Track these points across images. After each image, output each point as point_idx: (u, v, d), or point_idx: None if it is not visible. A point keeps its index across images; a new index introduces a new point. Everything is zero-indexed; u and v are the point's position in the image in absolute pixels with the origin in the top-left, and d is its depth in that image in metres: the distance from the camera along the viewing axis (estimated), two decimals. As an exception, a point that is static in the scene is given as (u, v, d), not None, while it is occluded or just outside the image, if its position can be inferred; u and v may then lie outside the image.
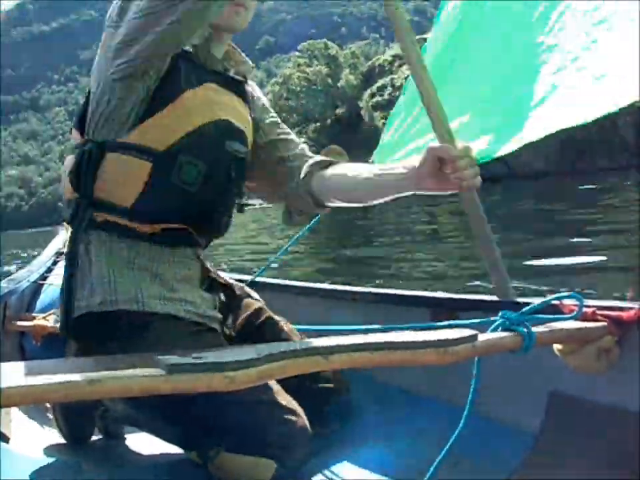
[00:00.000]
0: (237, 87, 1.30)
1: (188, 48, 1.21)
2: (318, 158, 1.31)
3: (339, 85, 56.90)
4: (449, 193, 1.05)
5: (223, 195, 1.25)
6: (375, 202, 1.20)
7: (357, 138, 49.58)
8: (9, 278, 2.15)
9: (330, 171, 1.26)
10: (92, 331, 1.15)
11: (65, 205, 1.23)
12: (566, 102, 1.27)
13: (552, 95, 1.30)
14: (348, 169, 1.24)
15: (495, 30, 1.56)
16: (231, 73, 1.31)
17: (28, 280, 2.16)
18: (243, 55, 1.34)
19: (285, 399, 1.08)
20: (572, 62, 1.29)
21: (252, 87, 1.41)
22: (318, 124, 55.37)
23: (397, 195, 1.13)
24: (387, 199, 1.16)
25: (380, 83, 52.37)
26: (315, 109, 56.69)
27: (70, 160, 1.20)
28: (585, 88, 1.24)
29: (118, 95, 1.14)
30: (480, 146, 1.37)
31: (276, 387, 1.09)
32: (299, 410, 1.08)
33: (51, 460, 1.33)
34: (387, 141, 1.82)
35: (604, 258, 4.94)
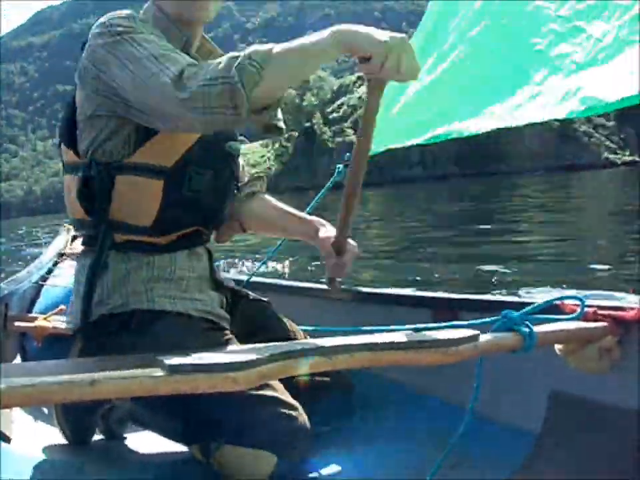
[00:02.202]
0: None
1: None
2: (246, 190, 1.42)
3: (303, 104, 74.84)
4: None
5: (227, 192, 1.30)
6: (274, 235, 1.58)
7: (313, 146, 70.58)
8: (10, 279, 2.15)
9: (255, 205, 1.42)
10: (105, 332, 1.17)
11: (77, 225, 1.25)
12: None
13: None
14: (263, 203, 1.43)
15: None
16: None
17: (29, 281, 2.16)
18: (213, 43, 1.34)
19: (286, 395, 1.09)
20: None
21: None
22: (287, 135, 69.79)
23: (293, 237, 1.45)
24: (285, 236, 1.57)
25: (340, 101, 69.59)
26: (284, 124, 72.30)
27: (71, 181, 1.20)
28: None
29: (116, 122, 1.13)
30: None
31: (276, 383, 1.10)
32: (299, 407, 1.09)
33: (53, 460, 1.33)
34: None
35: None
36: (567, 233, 7.71)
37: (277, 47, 0.97)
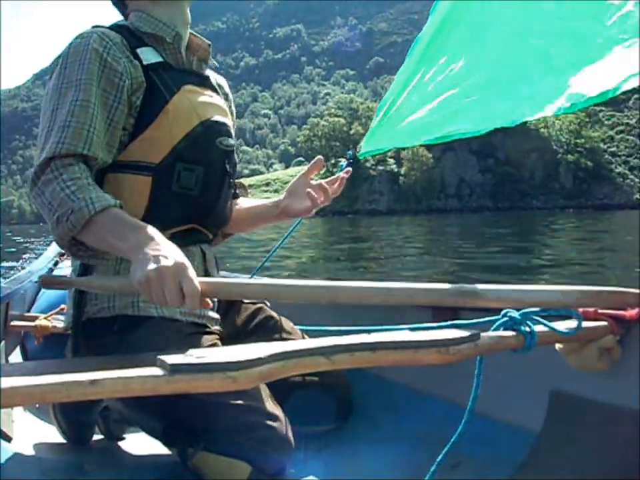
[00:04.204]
0: (208, 81, 1.33)
1: (157, 59, 1.21)
2: None
3: (351, 132, 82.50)
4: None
5: (221, 188, 1.28)
6: (253, 229, 1.55)
7: (357, 172, 75.08)
8: (12, 278, 2.15)
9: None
10: (92, 334, 1.18)
11: None
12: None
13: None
14: (236, 205, 1.46)
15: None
16: (195, 63, 1.32)
17: (30, 280, 2.16)
18: (200, 37, 1.34)
19: (268, 405, 1.06)
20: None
21: (218, 77, 1.43)
22: (332, 162, 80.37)
23: (267, 223, 1.49)
24: (260, 226, 1.52)
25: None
26: (332, 150, 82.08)
27: None
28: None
29: None
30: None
31: (261, 392, 1.07)
32: (282, 417, 1.06)
33: (53, 460, 1.33)
34: (373, 128, 1.94)
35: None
36: (593, 270, 8.03)
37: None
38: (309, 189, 1.33)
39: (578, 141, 76.70)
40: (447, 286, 0.92)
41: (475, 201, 75.53)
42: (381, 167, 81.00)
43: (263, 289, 0.97)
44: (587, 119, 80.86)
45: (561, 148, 76.97)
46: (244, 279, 1.12)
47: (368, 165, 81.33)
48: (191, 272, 0.91)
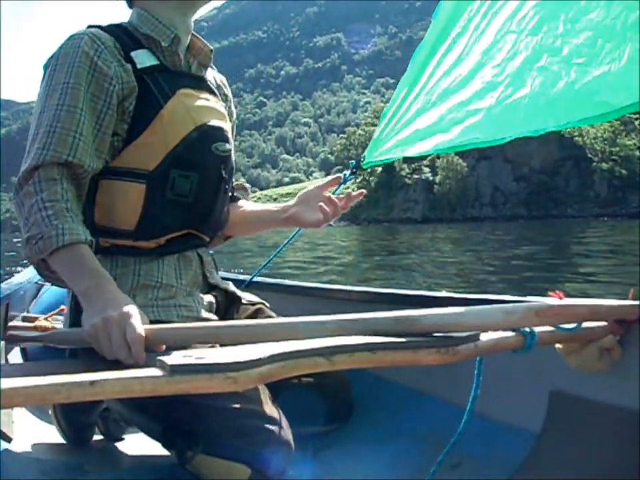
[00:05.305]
0: (205, 83, 1.30)
1: (151, 62, 1.19)
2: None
3: None
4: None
5: (217, 194, 1.27)
6: (256, 233, 1.52)
7: (392, 182, 79.46)
8: (11, 279, 2.15)
9: (233, 211, 1.43)
10: None
11: None
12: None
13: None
14: (239, 207, 1.47)
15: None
16: (194, 66, 1.30)
17: (29, 281, 2.17)
18: (202, 39, 1.32)
19: (268, 407, 1.05)
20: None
21: (217, 76, 1.41)
22: (368, 170, 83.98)
23: (271, 227, 1.46)
24: (264, 229, 1.49)
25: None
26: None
27: None
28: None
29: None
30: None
31: (261, 394, 1.07)
32: (281, 419, 1.05)
33: (53, 460, 1.33)
34: (376, 137, 1.91)
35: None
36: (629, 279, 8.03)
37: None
38: (321, 203, 1.31)
39: (613, 149, 76.76)
40: (384, 315, 0.87)
41: (510, 209, 76.31)
42: (416, 176, 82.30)
43: (210, 332, 0.91)
44: (622, 127, 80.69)
45: (596, 156, 77.13)
46: (191, 323, 1.09)
47: (403, 173, 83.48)
48: (136, 320, 0.89)
